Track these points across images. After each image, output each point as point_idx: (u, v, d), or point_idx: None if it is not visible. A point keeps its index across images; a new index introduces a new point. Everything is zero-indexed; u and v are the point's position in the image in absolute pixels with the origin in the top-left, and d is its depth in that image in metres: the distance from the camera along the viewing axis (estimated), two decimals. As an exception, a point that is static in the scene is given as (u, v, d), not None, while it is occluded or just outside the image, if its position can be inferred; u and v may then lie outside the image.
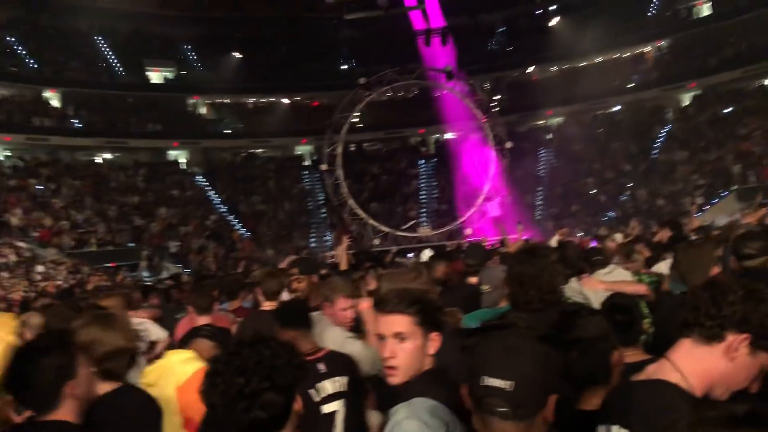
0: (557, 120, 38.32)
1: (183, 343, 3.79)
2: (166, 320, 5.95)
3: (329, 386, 3.36)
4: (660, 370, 1.86)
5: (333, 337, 3.79)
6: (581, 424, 2.04)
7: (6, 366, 2.32)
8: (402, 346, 2.13)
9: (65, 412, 2.29)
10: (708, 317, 1.81)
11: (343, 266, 7.30)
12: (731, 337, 1.78)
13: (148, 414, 2.75)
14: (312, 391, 3.31)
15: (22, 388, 2.28)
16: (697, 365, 1.82)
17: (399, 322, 2.15)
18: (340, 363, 3.45)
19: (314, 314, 4.14)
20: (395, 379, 2.16)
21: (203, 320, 4.78)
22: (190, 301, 4.97)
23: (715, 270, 3.77)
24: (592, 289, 4.47)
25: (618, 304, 2.93)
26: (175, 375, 3.20)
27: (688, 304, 1.89)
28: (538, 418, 1.62)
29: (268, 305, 4.93)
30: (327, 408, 3.35)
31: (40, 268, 23.04)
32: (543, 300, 3.26)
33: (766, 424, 1.18)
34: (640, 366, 2.01)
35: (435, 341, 2.16)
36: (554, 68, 39.15)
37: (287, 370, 1.78)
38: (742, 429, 1.17)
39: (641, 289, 4.58)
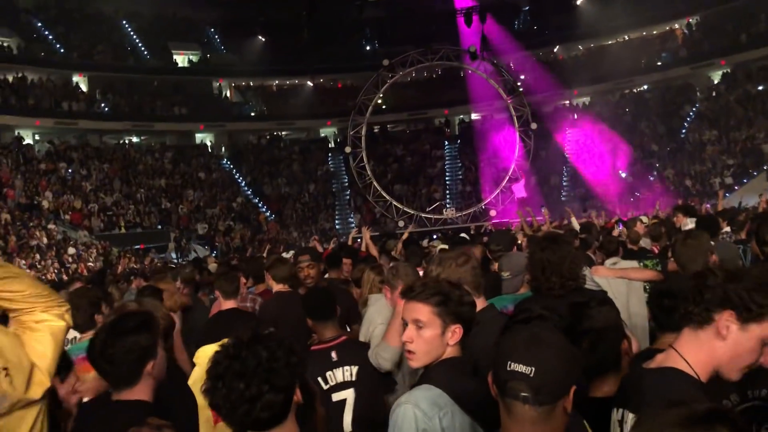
0: (583, 100, 37.83)
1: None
2: (195, 309, 6.06)
3: (339, 375, 3.41)
4: (668, 359, 1.95)
5: (384, 320, 3.87)
6: (592, 410, 2.10)
7: (93, 340, 2.44)
8: (420, 332, 2.22)
9: (141, 390, 2.40)
10: (694, 304, 1.92)
11: (373, 253, 7.44)
12: (717, 317, 1.88)
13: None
14: (321, 379, 3.36)
15: (107, 363, 2.37)
16: (698, 352, 1.91)
17: (419, 310, 2.24)
18: (353, 352, 3.48)
19: (375, 296, 4.23)
20: (413, 363, 2.27)
21: (229, 304, 4.91)
22: (217, 286, 5.10)
23: (713, 258, 3.83)
24: (602, 277, 4.49)
25: (665, 289, 2.93)
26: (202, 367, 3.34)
27: (683, 294, 2.00)
28: (559, 407, 1.67)
29: (279, 288, 5.08)
30: (337, 396, 3.39)
31: (71, 251, 23.49)
32: (564, 286, 3.31)
33: (725, 422, 1.23)
34: None
35: (456, 333, 2.22)
36: (580, 47, 38.59)
37: (285, 371, 1.85)
38: (700, 428, 1.23)
39: (651, 275, 4.57)
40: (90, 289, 4.88)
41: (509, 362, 1.66)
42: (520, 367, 1.64)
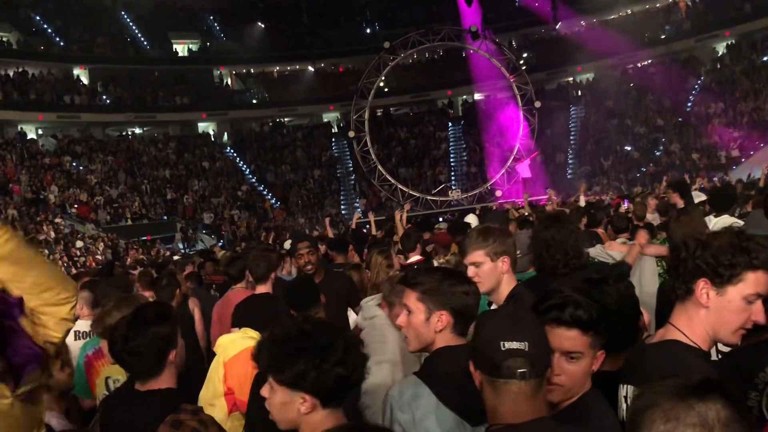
0: (587, 76, 37.55)
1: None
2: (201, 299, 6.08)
3: None
4: (667, 333, 2.00)
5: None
6: (605, 384, 2.13)
7: (114, 335, 2.49)
8: (408, 318, 2.30)
9: (167, 379, 2.48)
10: (674, 279, 1.99)
11: (400, 232, 7.50)
12: (695, 287, 1.93)
13: None
14: None
15: (131, 355, 2.43)
16: (690, 323, 1.96)
17: (407, 296, 2.33)
18: None
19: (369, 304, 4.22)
20: (409, 347, 2.37)
21: (262, 289, 4.68)
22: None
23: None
24: (616, 251, 4.52)
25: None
26: (225, 351, 3.47)
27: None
28: (544, 379, 1.77)
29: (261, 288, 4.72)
30: None
31: (79, 244, 23.59)
32: (568, 265, 3.30)
33: (718, 391, 1.25)
34: None
35: (442, 319, 2.24)
36: (582, 23, 38.20)
37: (355, 351, 1.93)
38: (693, 398, 1.24)
39: (662, 250, 4.58)
40: (121, 277, 5.03)
41: (502, 343, 1.71)
42: (515, 344, 1.70)
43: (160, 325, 2.46)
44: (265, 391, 1.94)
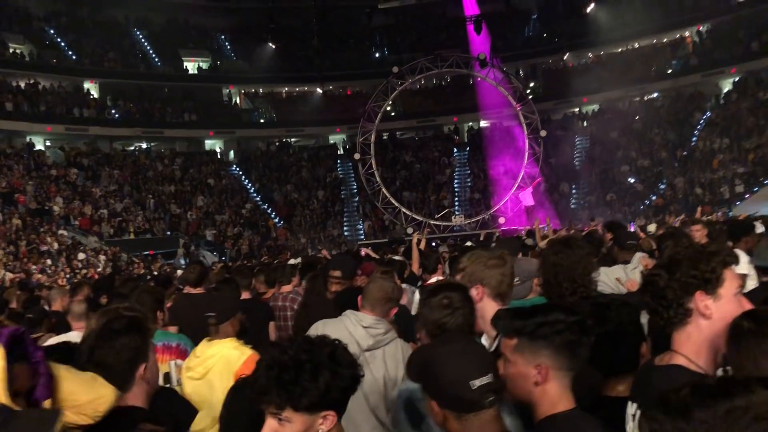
0: (593, 107, 37.75)
1: None
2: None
3: None
4: (671, 358, 2.02)
5: None
6: (607, 409, 2.16)
7: (82, 346, 2.35)
8: None
9: (135, 396, 2.30)
10: (665, 309, 1.99)
11: (416, 256, 7.57)
12: (692, 305, 1.95)
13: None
14: None
15: (98, 367, 2.24)
16: (693, 344, 1.96)
17: None
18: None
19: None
20: None
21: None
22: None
23: None
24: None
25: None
26: (228, 367, 3.47)
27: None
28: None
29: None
30: None
31: (81, 256, 23.59)
32: (575, 292, 3.27)
33: (734, 392, 1.23)
34: None
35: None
36: (590, 54, 38.54)
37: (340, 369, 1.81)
38: (708, 401, 1.22)
39: None
40: (155, 288, 5.11)
41: (472, 382, 1.77)
42: (485, 380, 1.77)
43: (130, 336, 2.30)
44: (272, 428, 1.75)
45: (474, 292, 2.74)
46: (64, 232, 25.25)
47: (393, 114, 36.37)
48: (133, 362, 2.30)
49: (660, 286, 1.99)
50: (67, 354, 2.42)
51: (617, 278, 4.72)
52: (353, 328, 3.22)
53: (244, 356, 3.51)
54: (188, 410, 2.82)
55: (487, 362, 1.84)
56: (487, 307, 2.74)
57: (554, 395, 1.87)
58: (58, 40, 35.77)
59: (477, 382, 1.76)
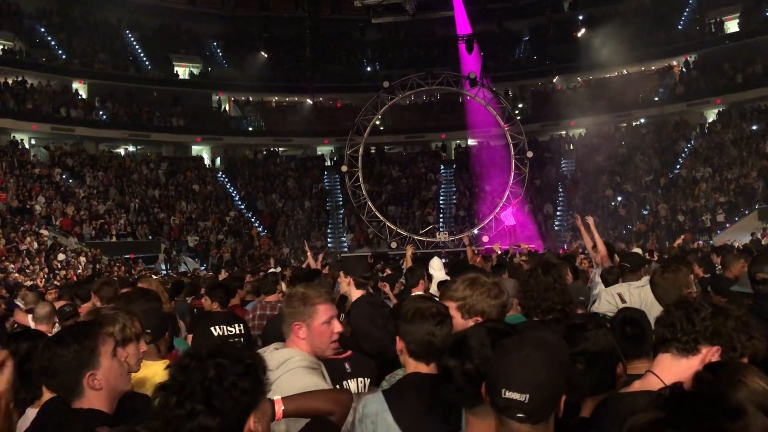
0: (580, 131, 38.11)
1: None
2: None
3: (353, 386, 3.39)
4: (646, 384, 2.04)
5: None
6: (583, 431, 2.16)
7: (34, 356, 2.46)
8: None
9: (93, 400, 2.34)
10: (683, 332, 2.01)
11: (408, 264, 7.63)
12: (705, 350, 1.98)
13: None
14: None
15: (44, 376, 2.38)
16: (678, 376, 1.95)
17: None
18: (363, 365, 3.48)
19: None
20: None
21: None
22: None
23: (693, 292, 3.90)
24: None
25: (629, 317, 2.97)
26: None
27: (664, 321, 2.09)
28: (551, 418, 1.76)
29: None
30: None
31: (61, 257, 23.35)
32: (553, 311, 3.32)
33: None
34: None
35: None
36: (579, 79, 38.96)
37: (228, 394, 1.68)
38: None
39: None
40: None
41: (504, 390, 1.70)
42: (515, 395, 1.68)
43: (70, 345, 2.33)
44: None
45: (471, 323, 2.63)
46: (45, 232, 24.99)
47: (382, 128, 36.49)
48: (77, 371, 2.33)
49: (697, 313, 2.03)
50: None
51: (619, 293, 4.92)
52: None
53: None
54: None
55: (534, 380, 1.70)
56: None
57: None
58: (49, 38, 35.58)
59: (508, 393, 1.69)
